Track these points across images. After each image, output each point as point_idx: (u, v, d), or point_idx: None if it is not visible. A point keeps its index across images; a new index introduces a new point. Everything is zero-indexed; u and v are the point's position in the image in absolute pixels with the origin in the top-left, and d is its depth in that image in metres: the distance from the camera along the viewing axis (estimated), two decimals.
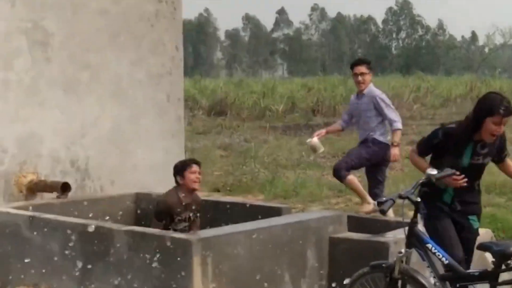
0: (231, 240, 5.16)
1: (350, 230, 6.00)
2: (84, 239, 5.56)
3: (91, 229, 5.45)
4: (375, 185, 7.66)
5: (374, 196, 7.44)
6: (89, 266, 5.52)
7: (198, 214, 6.29)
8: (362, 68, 7.65)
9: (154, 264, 5.11)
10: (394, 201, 4.22)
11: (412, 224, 4.34)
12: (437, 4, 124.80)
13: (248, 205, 6.53)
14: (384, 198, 4.25)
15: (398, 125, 7.54)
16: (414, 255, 4.36)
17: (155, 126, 8.01)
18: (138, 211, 7.22)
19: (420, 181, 4.45)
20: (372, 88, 7.70)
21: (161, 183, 7.69)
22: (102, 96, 7.54)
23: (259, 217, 6.01)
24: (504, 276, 3.93)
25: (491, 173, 11.85)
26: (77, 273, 5.59)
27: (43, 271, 5.78)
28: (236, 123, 28.33)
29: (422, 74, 52.98)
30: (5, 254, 6.03)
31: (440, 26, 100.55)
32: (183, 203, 6.17)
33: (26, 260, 5.87)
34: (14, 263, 5.96)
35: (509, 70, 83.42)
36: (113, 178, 7.64)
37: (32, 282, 5.80)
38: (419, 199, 4.30)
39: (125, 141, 7.75)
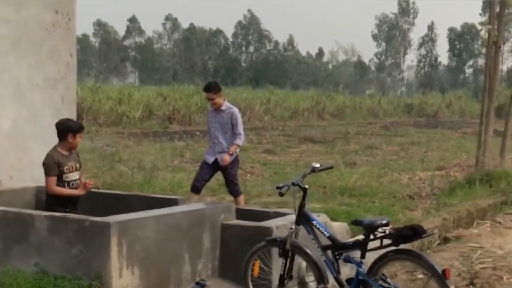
0: (142, 224, 6.00)
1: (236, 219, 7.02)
2: (4, 224, 6.17)
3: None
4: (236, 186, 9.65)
5: (235, 192, 9.57)
6: (9, 249, 6.13)
7: (79, 164, 7.16)
8: (211, 95, 9.42)
9: (73, 245, 5.83)
10: (289, 186, 5.28)
11: (301, 205, 5.40)
12: (286, 21, 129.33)
13: (146, 197, 7.35)
14: (281, 184, 5.30)
15: (240, 142, 9.46)
16: (302, 230, 5.42)
17: (51, 126, 8.53)
18: (38, 203, 7.82)
19: (307, 172, 5.54)
20: (229, 105, 9.56)
21: None
22: (3, 97, 8.07)
23: (158, 207, 6.86)
24: (371, 245, 5.07)
25: (343, 179, 13.47)
26: None
27: None
28: (94, 128, 28.59)
29: (271, 87, 55.19)
30: None
31: (291, 41, 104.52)
32: (65, 155, 6.97)
33: None
34: None
35: (350, 86, 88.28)
36: (11, 173, 8.17)
37: None
38: (306, 186, 5.38)
39: (23, 139, 8.30)
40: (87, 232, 5.81)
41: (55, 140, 8.61)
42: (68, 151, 6.98)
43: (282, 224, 6.56)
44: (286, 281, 5.45)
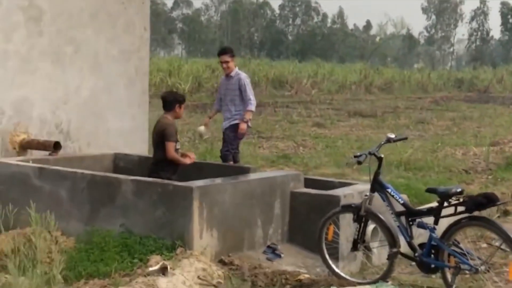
0: (220, 189, 6.40)
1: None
2: (92, 187, 6.63)
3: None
4: (227, 149, 9.41)
5: (224, 156, 9.36)
6: (96, 210, 6.59)
7: None
8: (226, 57, 9.42)
9: (157, 207, 6.25)
10: (366, 156, 5.61)
11: (376, 174, 5.73)
12: None
13: (219, 165, 7.76)
14: (359, 154, 5.66)
15: (252, 107, 9.32)
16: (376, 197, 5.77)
17: (125, 96, 9.07)
18: (116, 168, 8.29)
19: (382, 142, 5.85)
20: (238, 71, 9.54)
21: (127, 145, 8.91)
22: (83, 68, 8.54)
23: (229, 175, 7.24)
24: (445, 211, 5.37)
25: (397, 153, 13.71)
26: (84, 216, 6.65)
27: (52, 214, 6.76)
28: None
29: (319, 60, 55.01)
30: (14, 200, 6.92)
31: (340, 14, 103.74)
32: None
33: (34, 206, 6.82)
34: (23, 208, 6.89)
35: (399, 59, 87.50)
36: (89, 140, 8.67)
37: (40, 224, 6.75)
38: (382, 155, 5.70)
39: (100, 108, 8.78)
40: (171, 196, 6.22)
41: (128, 110, 9.15)
42: (174, 119, 7.42)
43: (349, 193, 6.90)
44: (359, 245, 5.80)
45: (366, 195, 5.74)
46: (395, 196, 5.63)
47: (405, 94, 43.02)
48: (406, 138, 6.33)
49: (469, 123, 23.20)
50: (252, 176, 7.06)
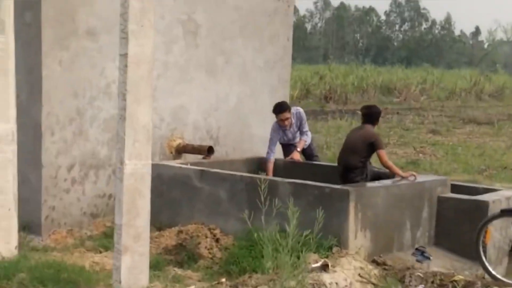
0: (374, 193, 6.75)
1: None
2: (250, 189, 7.09)
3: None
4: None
5: None
6: (254, 210, 7.04)
7: None
8: (287, 114, 8.68)
9: (313, 208, 6.63)
10: None
11: None
12: None
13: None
14: None
15: (307, 138, 9.05)
16: None
17: (268, 103, 9.50)
18: (255, 171, 8.69)
19: None
20: (294, 112, 8.90)
21: None
22: (232, 77, 9.10)
23: None
24: None
25: None
26: (242, 216, 7.12)
27: (211, 214, 7.31)
28: None
29: (427, 65, 54.24)
30: (175, 200, 7.56)
31: (448, 20, 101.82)
32: None
33: (195, 205, 7.39)
34: (184, 207, 7.48)
35: (508, 66, 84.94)
36: (235, 145, 9.22)
37: (200, 222, 7.29)
38: None
39: (245, 115, 9.32)
40: (327, 198, 6.61)
41: (271, 116, 9.57)
42: None
43: (497, 199, 7.12)
44: None
45: None
46: None
47: None
48: None
49: None
50: (402, 181, 7.35)
